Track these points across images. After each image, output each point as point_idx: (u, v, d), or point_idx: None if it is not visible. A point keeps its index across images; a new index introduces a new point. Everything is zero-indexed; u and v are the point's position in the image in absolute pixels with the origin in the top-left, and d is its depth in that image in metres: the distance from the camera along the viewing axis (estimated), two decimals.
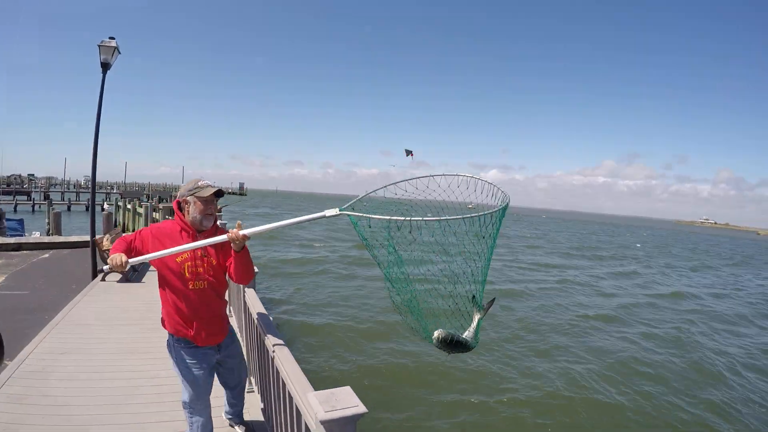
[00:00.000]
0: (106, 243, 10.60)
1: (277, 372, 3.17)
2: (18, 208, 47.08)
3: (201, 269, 3.22)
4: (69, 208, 47.57)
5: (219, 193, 3.21)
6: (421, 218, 2.78)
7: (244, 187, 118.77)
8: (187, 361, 3.34)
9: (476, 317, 3.10)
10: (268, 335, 3.50)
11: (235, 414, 4.07)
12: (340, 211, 2.95)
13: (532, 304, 18.34)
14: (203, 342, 3.32)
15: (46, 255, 15.52)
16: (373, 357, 11.47)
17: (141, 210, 21.03)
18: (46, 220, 22.16)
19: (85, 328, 7.21)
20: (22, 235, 19.04)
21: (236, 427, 4.10)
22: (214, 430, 3.68)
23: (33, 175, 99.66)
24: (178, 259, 3.17)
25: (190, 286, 3.21)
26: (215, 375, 3.60)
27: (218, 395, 4.10)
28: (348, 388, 2.20)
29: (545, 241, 55.49)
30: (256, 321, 4.02)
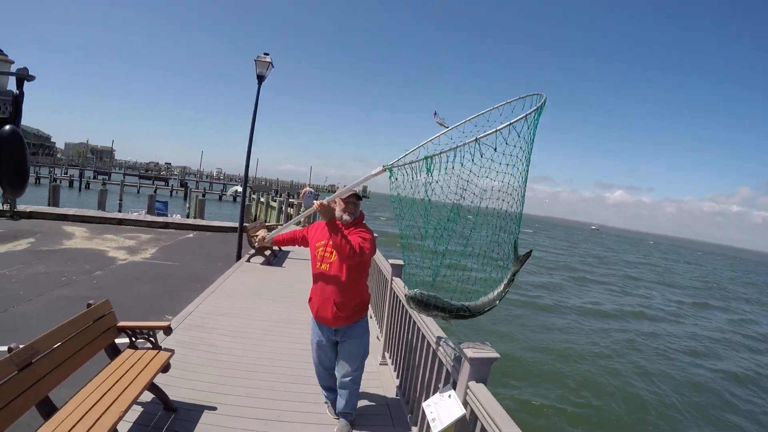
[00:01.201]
0: (254, 231, 13.10)
1: (419, 331, 4.19)
2: (156, 192, 52.52)
3: (327, 253, 3.96)
4: (203, 195, 52.42)
5: (358, 197, 4.01)
6: (452, 148, 2.94)
7: (368, 190, 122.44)
8: (311, 328, 4.30)
9: (510, 271, 3.17)
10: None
11: (332, 401, 4.57)
12: (384, 167, 3.35)
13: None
14: (317, 317, 4.11)
15: (191, 235, 18.08)
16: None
17: (274, 204, 22.90)
18: (187, 204, 24.94)
19: (236, 298, 8.83)
20: (166, 215, 21.60)
21: (328, 412, 4.60)
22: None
23: (170, 164, 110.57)
24: (317, 244, 4.05)
25: (318, 267, 4.01)
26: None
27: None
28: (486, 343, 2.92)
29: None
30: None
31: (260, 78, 13.03)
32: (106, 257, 12.96)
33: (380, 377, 5.46)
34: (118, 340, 4.60)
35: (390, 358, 5.57)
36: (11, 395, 3.14)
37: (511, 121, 2.74)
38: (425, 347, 3.98)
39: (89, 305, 4.37)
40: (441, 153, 2.98)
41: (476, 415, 2.53)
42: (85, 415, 3.42)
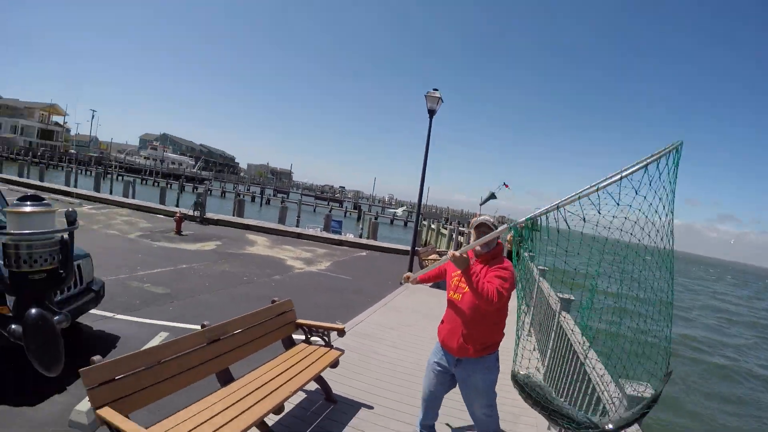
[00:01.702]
0: (425, 255, 13.20)
1: (585, 374, 3.74)
2: (331, 212, 55.96)
3: (462, 283, 3.74)
4: (376, 218, 54.81)
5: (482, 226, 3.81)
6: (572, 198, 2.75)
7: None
8: (433, 350, 4.06)
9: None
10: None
11: None
12: (508, 226, 3.33)
13: None
14: (443, 344, 3.90)
15: (363, 253, 18.92)
16: None
17: (444, 231, 23.19)
18: (360, 225, 26.14)
19: (404, 314, 9.17)
20: (340, 234, 22.81)
21: None
22: None
23: (344, 187, 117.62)
24: (453, 273, 3.92)
25: (450, 295, 3.87)
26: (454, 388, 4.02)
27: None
28: None
29: None
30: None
31: (431, 112, 13.56)
32: (284, 265, 14.09)
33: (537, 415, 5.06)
34: (294, 336, 5.14)
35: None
36: (198, 361, 3.65)
37: (638, 164, 2.56)
38: (589, 390, 3.62)
39: (273, 301, 4.97)
40: (562, 204, 2.84)
41: None
42: (258, 388, 3.82)
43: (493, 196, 25.60)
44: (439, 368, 3.92)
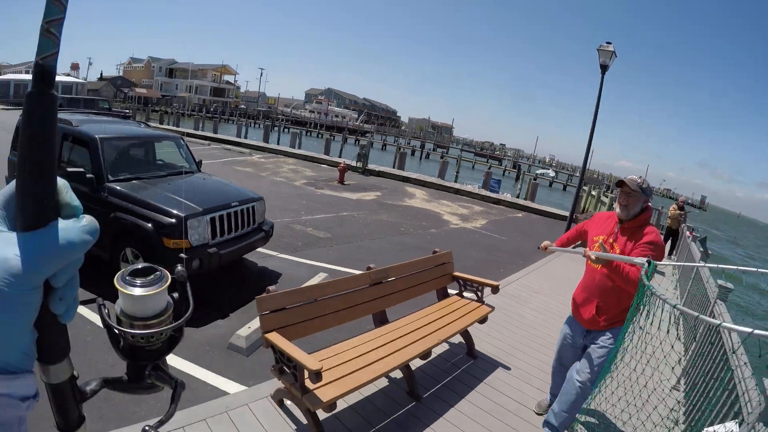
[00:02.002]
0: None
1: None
2: (491, 170, 55.26)
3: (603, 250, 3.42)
4: (535, 179, 53.39)
5: (622, 184, 3.46)
6: None
7: (706, 201, 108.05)
8: (566, 320, 3.99)
9: None
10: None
11: (548, 422, 3.90)
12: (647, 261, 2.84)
13: None
14: (575, 314, 3.78)
15: (520, 215, 18.65)
16: None
17: (605, 199, 22.01)
18: (518, 186, 25.66)
19: (555, 280, 9.07)
20: (498, 193, 22.53)
21: (534, 407, 4.27)
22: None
23: (504, 144, 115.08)
24: (595, 238, 3.63)
25: (589, 263, 3.59)
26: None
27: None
28: None
29: None
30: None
31: (603, 68, 12.68)
32: (441, 219, 14.43)
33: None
34: (449, 289, 5.35)
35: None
36: (359, 300, 4.00)
37: None
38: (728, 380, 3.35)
39: (435, 252, 5.19)
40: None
41: None
42: (409, 333, 4.08)
43: None
44: (569, 339, 3.88)
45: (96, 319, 4.78)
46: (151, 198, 5.57)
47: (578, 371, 3.61)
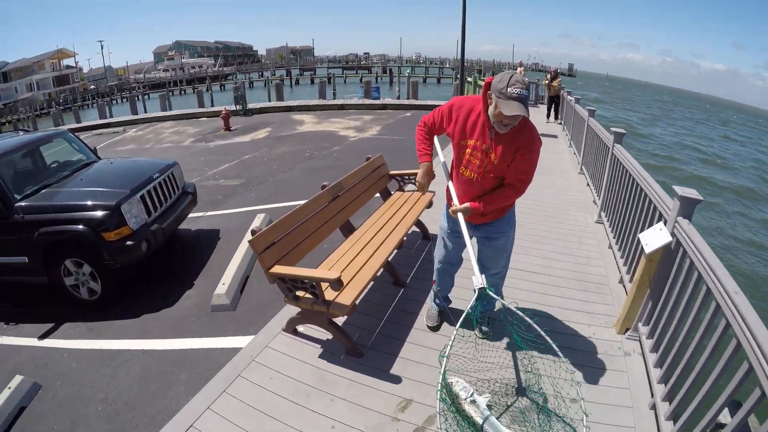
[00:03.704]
0: None
1: (637, 186, 4.19)
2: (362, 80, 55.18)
3: (474, 159, 3.01)
4: (408, 78, 54.10)
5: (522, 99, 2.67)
6: None
7: (573, 68, 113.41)
8: (443, 217, 3.57)
9: None
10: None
11: (442, 310, 3.91)
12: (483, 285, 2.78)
13: None
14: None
15: (408, 114, 19.27)
16: None
17: (481, 83, 22.73)
18: (396, 89, 26.05)
19: None
20: (380, 99, 22.78)
21: (428, 320, 3.92)
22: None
23: (368, 53, 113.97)
24: (464, 143, 3.04)
25: (461, 171, 3.12)
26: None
27: None
28: None
29: None
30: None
31: None
32: (338, 136, 14.61)
33: (595, 233, 5.87)
34: (388, 187, 5.61)
35: (606, 216, 5.82)
36: (328, 216, 4.18)
37: None
38: (640, 196, 4.07)
39: (368, 158, 5.35)
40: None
41: (681, 244, 2.84)
42: (378, 231, 4.36)
43: None
44: (456, 235, 3.45)
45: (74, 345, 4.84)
46: (70, 199, 5.24)
47: (492, 272, 3.45)
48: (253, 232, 3.24)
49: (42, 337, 4.92)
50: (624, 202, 4.69)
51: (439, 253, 3.66)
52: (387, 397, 3.05)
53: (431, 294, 3.93)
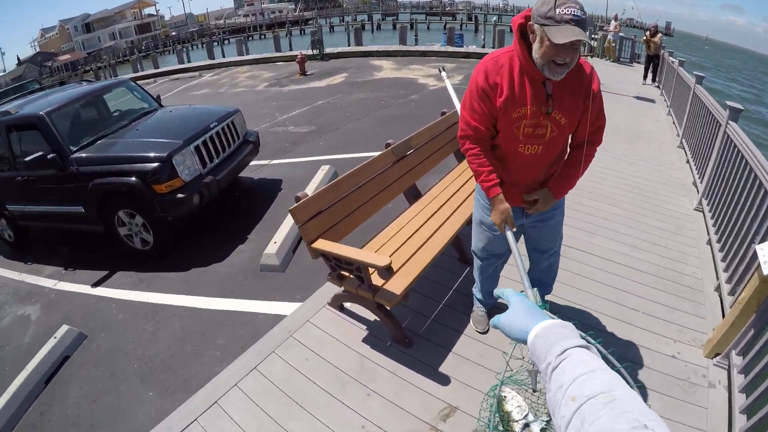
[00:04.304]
0: None
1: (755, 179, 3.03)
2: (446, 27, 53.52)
3: (539, 130, 2.25)
4: (494, 27, 51.95)
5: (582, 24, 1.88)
6: None
7: (671, 27, 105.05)
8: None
9: None
10: None
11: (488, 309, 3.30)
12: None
13: None
14: (508, 198, 2.50)
15: None
16: None
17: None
18: (482, 37, 24.81)
19: None
20: (462, 47, 21.75)
21: (475, 325, 3.23)
22: None
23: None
24: (516, 114, 2.22)
25: (520, 148, 2.34)
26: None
27: None
28: None
29: None
30: None
31: None
32: (417, 84, 13.77)
33: (696, 224, 4.74)
34: None
35: (708, 206, 4.75)
36: (389, 180, 3.61)
37: None
38: (759, 193, 3.18)
39: (443, 113, 4.71)
40: None
41: None
42: (449, 200, 3.83)
43: None
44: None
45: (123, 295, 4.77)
46: (124, 150, 5.14)
47: (550, 252, 2.88)
48: (297, 199, 2.78)
49: (95, 284, 5.00)
50: (736, 194, 3.76)
51: (479, 244, 2.87)
52: (429, 399, 2.62)
53: (476, 291, 3.20)
